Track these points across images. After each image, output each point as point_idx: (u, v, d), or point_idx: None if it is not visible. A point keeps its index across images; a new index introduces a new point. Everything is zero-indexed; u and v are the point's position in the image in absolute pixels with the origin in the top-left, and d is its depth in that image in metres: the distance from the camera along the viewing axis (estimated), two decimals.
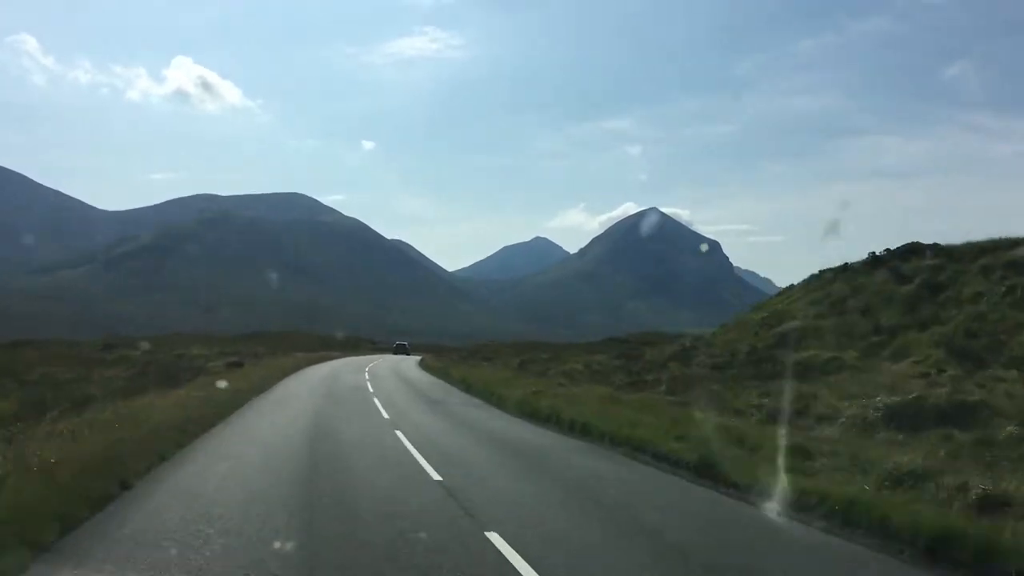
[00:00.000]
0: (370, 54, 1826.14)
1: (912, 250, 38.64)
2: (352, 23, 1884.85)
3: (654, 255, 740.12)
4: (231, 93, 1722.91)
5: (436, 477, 13.30)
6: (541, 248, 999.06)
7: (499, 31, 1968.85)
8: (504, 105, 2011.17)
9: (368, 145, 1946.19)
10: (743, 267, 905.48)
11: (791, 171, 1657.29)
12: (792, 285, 47.04)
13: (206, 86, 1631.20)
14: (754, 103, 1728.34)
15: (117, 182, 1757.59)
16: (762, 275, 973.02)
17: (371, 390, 34.11)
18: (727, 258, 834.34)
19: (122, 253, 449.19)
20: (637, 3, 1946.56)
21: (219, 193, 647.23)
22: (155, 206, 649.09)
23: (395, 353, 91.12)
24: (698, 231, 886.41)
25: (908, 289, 34.10)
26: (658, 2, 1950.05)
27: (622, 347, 54.82)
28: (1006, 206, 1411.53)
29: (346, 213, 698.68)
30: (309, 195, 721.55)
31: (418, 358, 74.64)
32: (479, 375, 40.01)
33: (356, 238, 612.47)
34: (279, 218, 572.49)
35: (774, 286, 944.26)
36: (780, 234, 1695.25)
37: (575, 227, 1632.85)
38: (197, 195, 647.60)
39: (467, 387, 36.53)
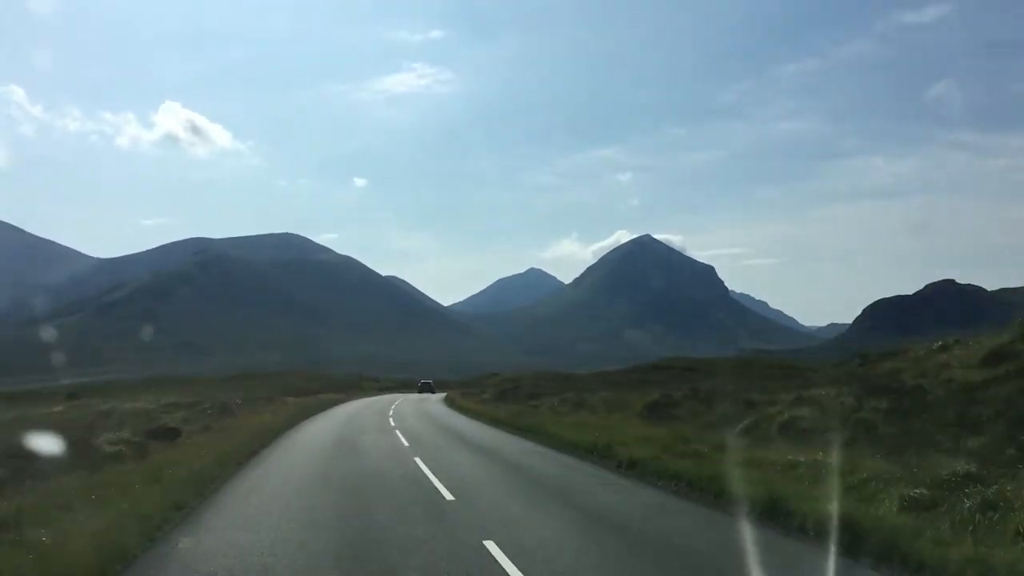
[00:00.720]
0: (359, 91, 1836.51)
1: None
2: (340, 61, 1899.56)
3: (649, 282, 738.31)
4: (221, 136, 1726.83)
5: None
6: (535, 279, 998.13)
7: (486, 65, 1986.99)
8: (493, 138, 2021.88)
9: (360, 183, 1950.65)
10: (738, 291, 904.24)
11: (780, 195, 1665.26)
12: None
13: (195, 130, 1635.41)
14: (741, 129, 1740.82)
15: (108, 229, 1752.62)
16: (757, 298, 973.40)
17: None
18: (722, 282, 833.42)
19: (113, 300, 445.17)
20: (621, 33, 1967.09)
21: (211, 236, 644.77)
22: (147, 252, 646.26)
23: (419, 392, 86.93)
24: (692, 256, 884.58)
25: None
26: (642, 32, 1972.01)
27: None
28: (998, 220, 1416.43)
29: (339, 251, 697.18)
30: (302, 235, 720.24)
31: (443, 395, 69.10)
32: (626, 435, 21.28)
33: (350, 275, 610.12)
34: (272, 258, 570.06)
35: (770, 308, 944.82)
36: (773, 257, 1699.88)
37: (568, 257, 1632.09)
38: (189, 239, 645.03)
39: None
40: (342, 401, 57.95)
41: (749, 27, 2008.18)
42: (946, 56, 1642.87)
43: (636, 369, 66.05)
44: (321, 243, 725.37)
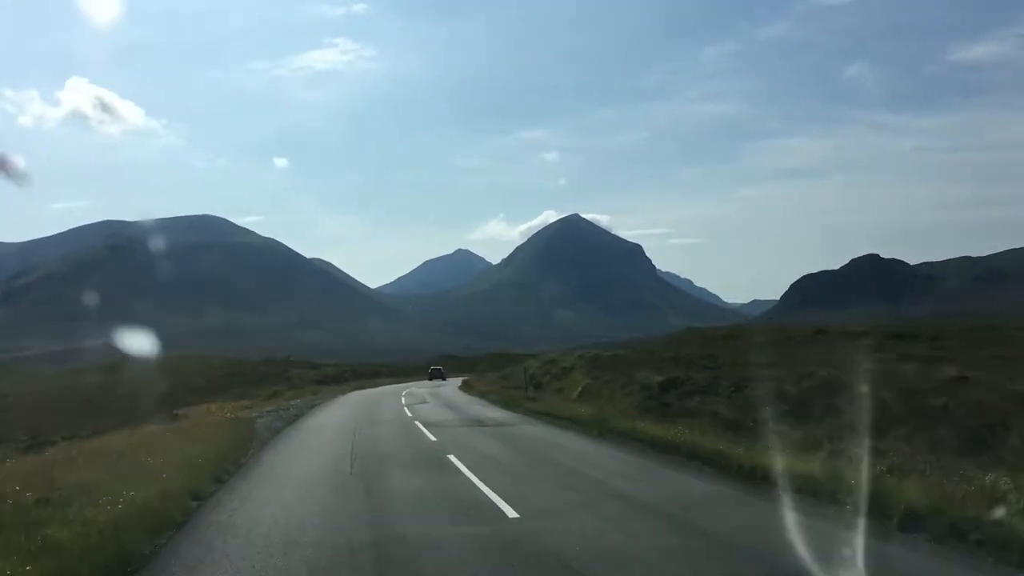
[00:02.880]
0: (278, 68, 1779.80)
1: None
2: (257, 37, 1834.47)
3: (578, 262, 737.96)
4: (132, 113, 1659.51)
5: None
6: (463, 261, 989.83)
7: (412, 42, 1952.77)
8: (419, 118, 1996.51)
9: (281, 163, 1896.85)
10: (664, 270, 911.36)
11: (703, 175, 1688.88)
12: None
13: (105, 107, 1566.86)
14: (666, 110, 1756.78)
15: (15, 213, 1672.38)
16: (683, 277, 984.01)
17: None
18: (650, 261, 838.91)
19: (22, 286, 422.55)
20: (547, 13, 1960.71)
21: (125, 219, 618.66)
22: (57, 235, 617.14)
23: (430, 379, 78.50)
24: (620, 236, 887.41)
25: None
26: (567, 13, 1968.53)
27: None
28: (911, 198, 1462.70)
29: (262, 234, 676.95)
30: (222, 217, 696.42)
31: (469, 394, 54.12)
32: None
33: (274, 258, 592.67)
34: (191, 242, 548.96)
35: (695, 287, 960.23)
36: (697, 236, 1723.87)
37: (496, 238, 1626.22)
38: (101, 222, 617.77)
39: None
40: (267, 410, 34.30)
41: (672, 9, 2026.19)
42: (861, 37, 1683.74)
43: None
44: (243, 225, 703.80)
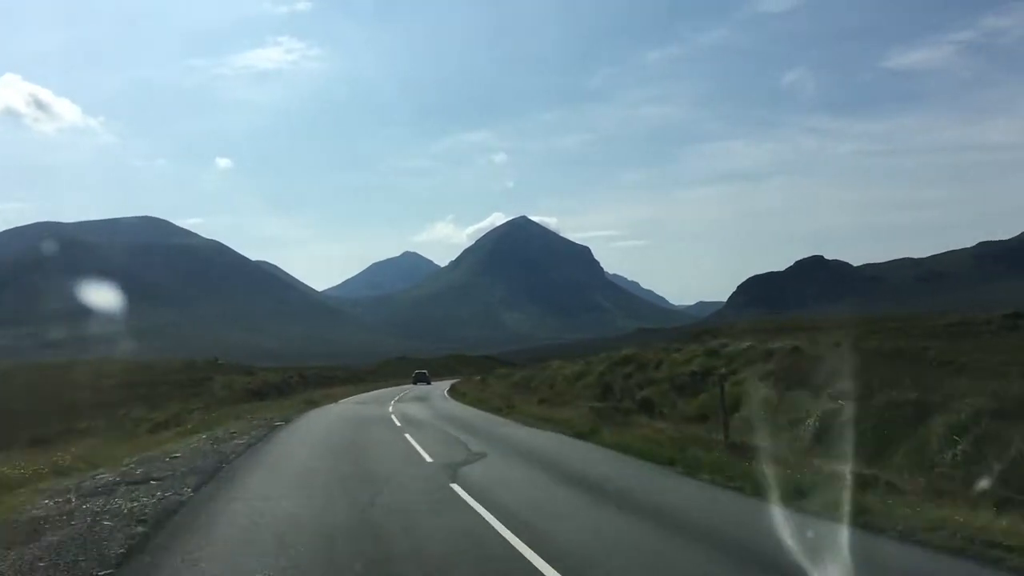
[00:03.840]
0: (220, 67, 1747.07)
1: None
2: (198, 35, 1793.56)
3: (526, 264, 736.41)
4: (69, 111, 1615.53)
5: None
6: (411, 263, 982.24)
7: (357, 42, 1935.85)
8: (365, 118, 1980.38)
9: (223, 163, 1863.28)
10: (611, 272, 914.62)
11: (648, 177, 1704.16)
12: None
13: (40, 105, 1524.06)
14: (610, 113, 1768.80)
15: None
16: (630, 279, 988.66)
17: None
18: (598, 263, 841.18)
19: None
20: (492, 16, 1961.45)
21: (61, 220, 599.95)
22: None
23: (415, 383, 76.03)
24: (568, 238, 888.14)
25: None
26: (512, 16, 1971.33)
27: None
28: (851, 200, 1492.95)
29: (205, 236, 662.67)
30: (163, 218, 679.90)
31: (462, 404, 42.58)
32: None
33: (217, 261, 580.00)
34: (130, 243, 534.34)
35: (642, 288, 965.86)
36: (644, 239, 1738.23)
37: (444, 240, 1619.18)
38: (36, 223, 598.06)
39: None
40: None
41: (617, 13, 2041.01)
42: (800, 44, 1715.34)
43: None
44: (185, 227, 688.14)
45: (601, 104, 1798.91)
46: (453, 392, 51.17)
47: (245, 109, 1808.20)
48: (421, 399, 44.77)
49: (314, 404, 41.27)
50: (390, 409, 34.80)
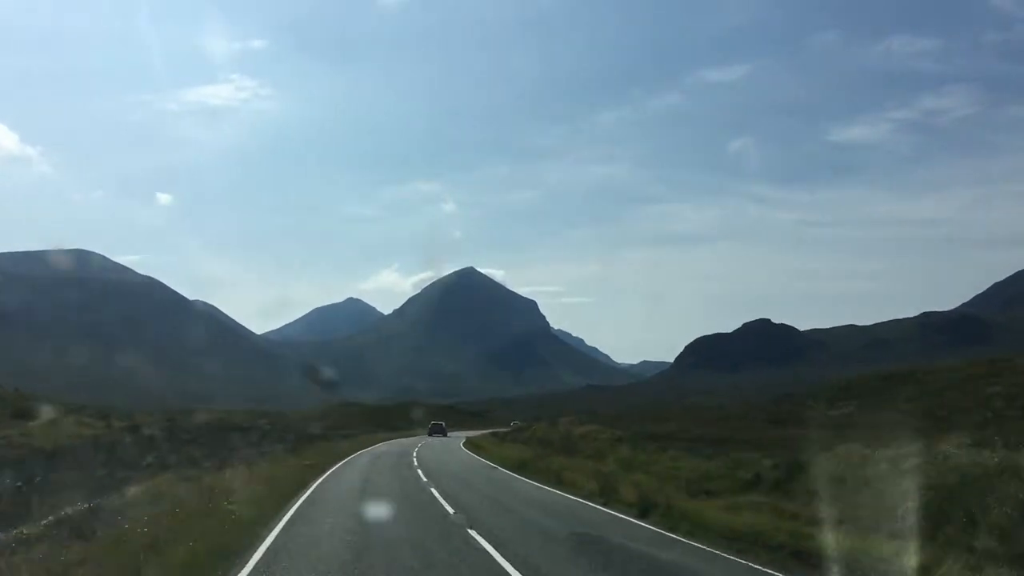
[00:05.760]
0: (168, 101, 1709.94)
1: None
2: (147, 67, 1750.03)
3: (472, 315, 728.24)
4: (5, 138, 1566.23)
5: None
6: (355, 309, 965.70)
7: (311, 84, 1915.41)
8: (314, 162, 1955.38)
9: (165, 199, 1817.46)
10: (557, 327, 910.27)
11: (592, 236, 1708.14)
12: None
13: None
14: (559, 171, 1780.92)
15: None
16: (575, 335, 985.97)
17: None
18: (544, 318, 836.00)
19: None
20: (446, 69, 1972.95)
21: None
22: None
23: (430, 435, 69.74)
24: (515, 291, 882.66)
25: None
26: (468, 70, 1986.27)
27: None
28: (795, 267, 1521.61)
29: (141, 272, 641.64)
30: (98, 252, 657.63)
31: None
32: None
33: (153, 299, 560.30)
34: (62, 277, 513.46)
35: (587, 345, 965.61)
36: (587, 296, 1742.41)
37: (389, 288, 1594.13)
38: None
39: None
40: None
41: (570, 72, 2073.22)
42: (746, 114, 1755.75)
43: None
44: (121, 263, 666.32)
45: (552, 161, 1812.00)
46: (518, 468, 33.07)
47: (191, 146, 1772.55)
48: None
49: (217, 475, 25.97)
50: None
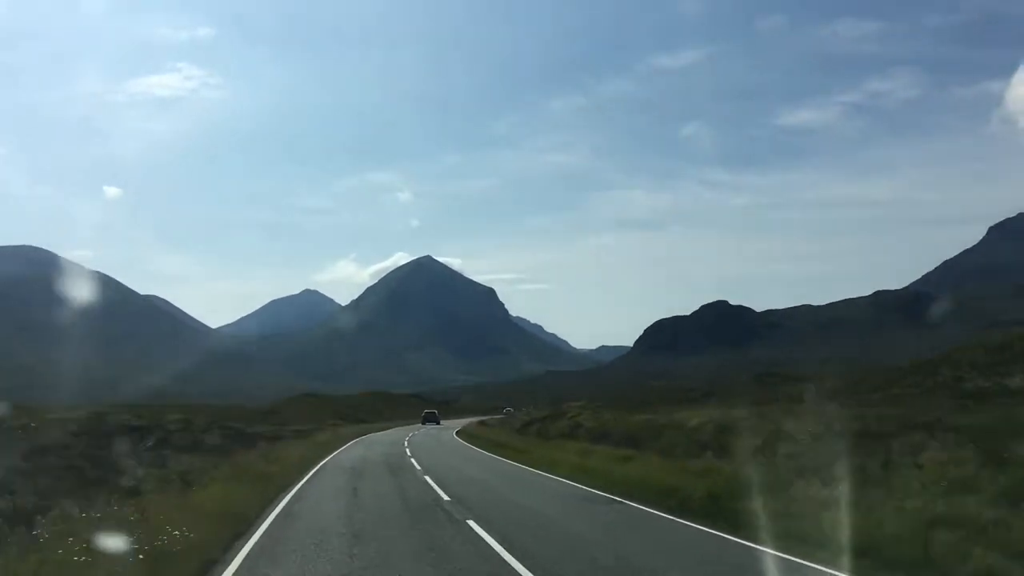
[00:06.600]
0: (113, 92, 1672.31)
1: None
2: (90, 57, 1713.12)
3: (430, 304, 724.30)
4: None
5: None
6: (311, 301, 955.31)
7: (260, 73, 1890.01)
8: (266, 152, 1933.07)
9: (113, 192, 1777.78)
10: (515, 314, 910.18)
11: (549, 223, 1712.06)
12: None
13: None
14: (513, 159, 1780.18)
15: None
16: (533, 321, 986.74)
17: None
18: (503, 306, 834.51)
19: None
20: (398, 58, 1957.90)
21: None
22: None
23: (423, 423, 74.90)
24: (472, 279, 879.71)
25: None
26: (419, 59, 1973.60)
27: None
28: (748, 250, 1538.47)
29: (89, 267, 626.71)
30: (43, 248, 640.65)
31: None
32: None
33: (102, 294, 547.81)
34: (5, 274, 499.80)
35: (546, 332, 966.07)
36: (545, 282, 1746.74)
37: (346, 279, 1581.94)
38: None
39: None
40: None
41: (522, 61, 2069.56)
42: (696, 99, 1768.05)
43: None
44: (69, 258, 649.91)
45: (506, 149, 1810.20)
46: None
47: (139, 137, 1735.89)
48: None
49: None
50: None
